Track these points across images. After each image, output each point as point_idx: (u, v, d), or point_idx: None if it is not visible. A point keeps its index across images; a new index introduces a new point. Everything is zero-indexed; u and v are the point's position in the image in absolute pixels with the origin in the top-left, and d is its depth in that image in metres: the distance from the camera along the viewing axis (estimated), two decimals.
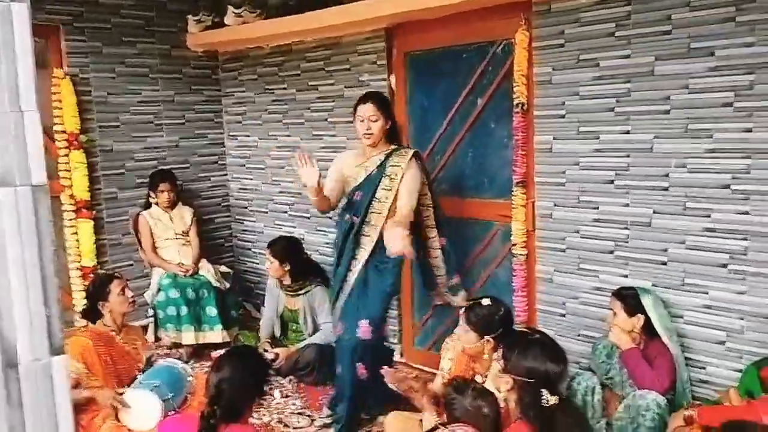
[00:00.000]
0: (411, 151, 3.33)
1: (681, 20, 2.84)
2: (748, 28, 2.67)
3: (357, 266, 3.29)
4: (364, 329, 3.22)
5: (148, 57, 4.93)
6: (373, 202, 3.26)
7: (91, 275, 4.46)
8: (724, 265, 2.86)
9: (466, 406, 2.32)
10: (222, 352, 3.06)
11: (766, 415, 2.22)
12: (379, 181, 3.27)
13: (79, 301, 4.37)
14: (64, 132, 4.51)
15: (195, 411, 2.65)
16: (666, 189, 2.98)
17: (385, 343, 3.59)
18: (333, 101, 4.45)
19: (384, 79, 4.08)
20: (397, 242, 2.90)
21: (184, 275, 4.50)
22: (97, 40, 4.67)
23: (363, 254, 3.28)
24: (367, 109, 3.25)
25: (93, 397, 2.88)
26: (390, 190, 3.25)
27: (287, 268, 4.09)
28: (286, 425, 3.56)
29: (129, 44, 4.82)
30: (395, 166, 3.27)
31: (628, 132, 3.06)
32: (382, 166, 3.29)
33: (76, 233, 4.62)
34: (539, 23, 3.29)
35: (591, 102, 3.17)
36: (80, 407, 2.83)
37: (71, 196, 4.58)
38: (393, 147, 3.33)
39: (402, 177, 3.23)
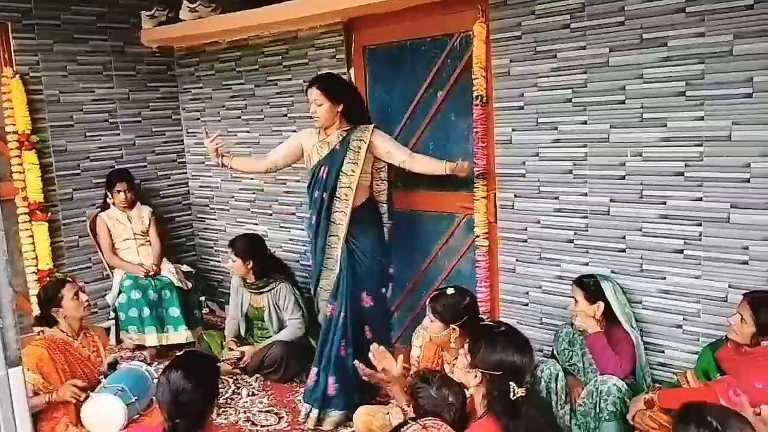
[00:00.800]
0: (371, 125, 3.44)
1: (634, 11, 2.89)
2: (698, 18, 2.73)
3: (338, 242, 3.39)
4: (366, 299, 3.41)
5: (100, 54, 4.82)
6: (340, 177, 3.36)
7: (48, 279, 4.35)
8: (680, 251, 2.93)
9: (432, 395, 2.34)
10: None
11: (723, 395, 2.29)
12: (344, 156, 3.35)
13: (36, 306, 4.25)
14: (15, 132, 4.38)
15: (156, 420, 2.59)
16: (623, 178, 3.04)
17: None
18: (292, 96, 4.42)
19: (343, 73, 4.06)
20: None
21: (145, 276, 4.43)
22: (47, 37, 4.54)
23: (340, 229, 3.38)
24: (311, 93, 3.39)
25: (53, 403, 2.82)
26: (356, 163, 3.36)
27: (250, 265, 4.06)
28: (254, 423, 3.54)
29: (81, 41, 4.70)
30: (358, 140, 3.37)
31: (585, 122, 3.11)
32: (345, 141, 3.38)
33: (31, 236, 4.50)
34: (496, 15, 3.32)
35: (549, 93, 3.21)
36: (40, 415, 2.77)
37: (25, 198, 4.45)
38: (353, 125, 3.42)
39: (368, 145, 3.36)
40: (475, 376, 2.14)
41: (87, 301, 3.15)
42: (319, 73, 4.18)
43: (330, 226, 3.41)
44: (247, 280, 4.13)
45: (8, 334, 0.97)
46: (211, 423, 2.42)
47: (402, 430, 2.28)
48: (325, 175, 3.38)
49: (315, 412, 3.43)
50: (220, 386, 2.46)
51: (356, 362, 3.01)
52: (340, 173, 3.36)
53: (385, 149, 3.42)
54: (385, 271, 3.53)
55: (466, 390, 2.30)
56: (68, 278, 3.27)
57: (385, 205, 3.60)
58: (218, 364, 2.90)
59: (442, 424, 2.25)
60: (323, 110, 3.36)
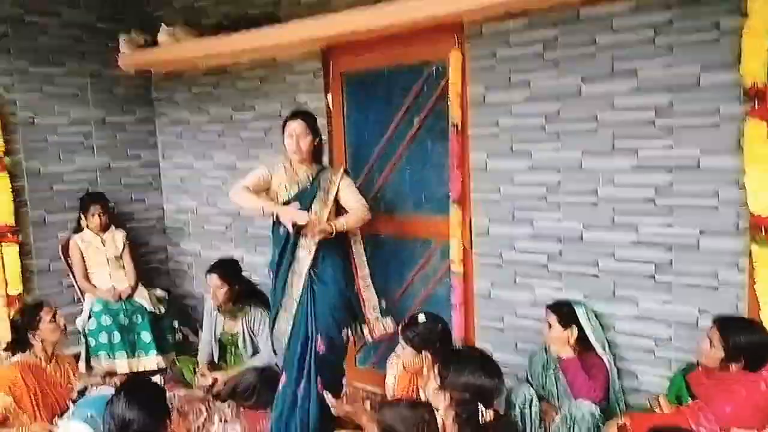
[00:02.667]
0: (341, 167, 3.46)
1: (605, 43, 2.96)
2: (666, 49, 2.81)
3: (299, 281, 3.30)
4: (319, 344, 3.26)
5: (77, 77, 4.79)
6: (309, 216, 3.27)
7: (17, 303, 4.27)
8: (651, 276, 2.97)
9: (398, 412, 2.35)
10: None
11: (694, 421, 2.31)
12: (314, 195, 3.33)
13: (3, 330, 4.15)
14: None
15: None
16: (595, 204, 3.09)
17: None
18: (269, 121, 4.43)
19: (321, 99, 4.09)
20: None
21: (115, 300, 4.37)
22: (23, 59, 4.51)
23: (303, 267, 3.30)
24: (298, 126, 3.33)
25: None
26: (325, 203, 3.33)
27: (235, 290, 4.04)
28: None
29: (57, 64, 4.68)
30: (328, 181, 3.36)
31: (558, 150, 3.16)
32: (315, 180, 3.36)
33: (0, 259, 4.41)
34: (472, 45, 3.38)
35: (523, 121, 3.26)
36: None
37: None
38: (320, 165, 3.43)
39: (338, 188, 3.35)
40: (444, 397, 2.14)
41: (64, 324, 3.11)
42: (296, 98, 4.22)
43: (293, 263, 3.33)
44: (222, 306, 4.09)
45: None
46: None
47: None
48: None
49: None
50: (168, 405, 2.38)
51: (326, 394, 3.01)
52: (309, 211, 3.26)
53: (345, 197, 3.39)
54: (348, 306, 3.40)
55: (436, 411, 2.29)
56: (46, 302, 3.22)
57: (359, 243, 3.54)
58: (163, 386, 2.86)
59: None
60: (306, 143, 3.32)
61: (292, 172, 3.39)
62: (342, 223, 3.29)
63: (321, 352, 3.26)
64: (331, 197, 3.34)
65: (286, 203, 3.33)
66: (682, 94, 2.79)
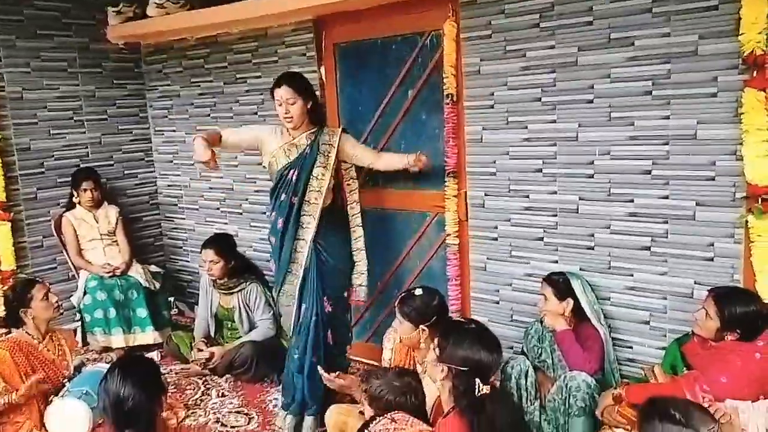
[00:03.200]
0: (338, 128, 3.44)
1: (602, 11, 2.92)
2: (664, 18, 2.77)
3: (304, 246, 3.31)
4: (326, 305, 3.34)
5: (65, 50, 4.71)
6: (310, 180, 3.29)
7: (11, 280, 4.25)
8: (647, 248, 2.97)
9: (386, 382, 2.42)
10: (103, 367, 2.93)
11: (689, 390, 2.32)
12: (315, 159, 3.30)
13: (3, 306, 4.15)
14: None
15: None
16: (591, 176, 3.07)
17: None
18: (262, 94, 4.37)
19: (314, 71, 4.04)
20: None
21: (110, 276, 4.36)
22: (9, 33, 4.43)
23: (308, 233, 3.31)
24: (284, 92, 3.25)
25: (15, 404, 2.75)
26: (326, 167, 3.32)
27: (230, 265, 4.04)
28: (223, 425, 3.50)
29: (45, 37, 4.60)
30: (327, 144, 3.33)
31: (554, 121, 3.13)
32: (314, 144, 3.32)
33: None
34: (466, 14, 3.32)
35: (519, 92, 3.22)
36: (2, 419, 2.71)
37: None
38: (318, 127, 3.38)
39: (338, 148, 3.34)
40: (442, 370, 2.15)
41: (57, 302, 3.09)
42: (288, 70, 4.16)
43: (298, 230, 3.33)
44: (218, 281, 4.08)
45: None
46: (164, 422, 2.37)
47: (371, 424, 2.28)
48: (294, 179, 3.30)
49: (292, 420, 3.38)
50: (162, 382, 2.36)
51: (319, 368, 3.05)
52: (310, 177, 3.29)
53: (353, 153, 3.44)
54: (348, 273, 3.51)
55: (434, 383, 2.31)
56: (37, 279, 3.20)
57: (356, 205, 3.57)
58: (158, 363, 2.86)
59: (410, 417, 2.26)
60: (297, 108, 3.26)
61: (289, 137, 3.36)
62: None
63: (329, 311, 3.35)
64: (332, 160, 3.32)
65: (286, 169, 3.31)
66: (680, 64, 2.76)
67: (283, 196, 3.33)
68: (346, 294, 3.50)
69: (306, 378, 3.33)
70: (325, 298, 3.34)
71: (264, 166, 3.50)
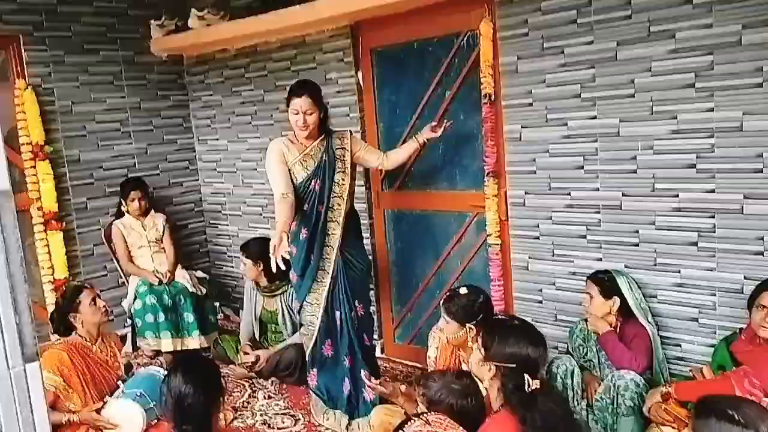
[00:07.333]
0: (345, 131, 3.45)
1: (640, 4, 2.88)
2: (705, 9, 2.72)
3: (331, 254, 3.34)
4: (359, 309, 3.39)
5: (111, 64, 4.87)
6: (333, 188, 3.30)
7: (64, 288, 4.39)
8: (694, 243, 2.91)
9: (438, 383, 2.38)
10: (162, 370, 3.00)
11: (739, 385, 2.27)
12: (334, 166, 3.31)
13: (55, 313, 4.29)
14: (29, 144, 4.44)
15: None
16: (634, 171, 3.03)
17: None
18: None
19: (351, 76, 4.08)
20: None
21: (159, 283, 4.46)
22: (58, 48, 4.60)
23: (334, 240, 3.33)
24: (304, 103, 3.20)
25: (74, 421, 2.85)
26: (344, 171, 3.34)
27: (261, 268, 4.08)
28: (270, 426, 3.55)
29: (91, 52, 4.76)
30: (340, 147, 3.35)
31: (594, 117, 3.10)
32: (330, 151, 3.32)
33: (47, 246, 4.55)
34: (503, 13, 3.32)
35: (557, 89, 3.20)
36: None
37: (40, 209, 4.50)
38: (325, 133, 3.36)
39: (350, 151, 3.36)
40: (489, 369, 2.13)
41: (104, 306, 3.18)
42: (326, 77, 4.21)
43: (325, 238, 3.32)
44: (260, 284, 4.15)
45: (25, 330, 0.98)
46: (218, 423, 2.42)
47: (406, 425, 2.28)
48: (318, 189, 3.27)
49: (345, 419, 3.39)
50: (222, 384, 2.42)
51: (363, 374, 3.07)
52: (333, 184, 3.28)
53: (362, 154, 3.44)
54: (370, 273, 3.59)
55: (480, 383, 2.29)
56: (86, 285, 3.30)
57: (362, 204, 3.64)
58: (216, 362, 2.92)
59: (445, 418, 2.24)
60: (313, 119, 3.22)
61: (303, 147, 3.31)
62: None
63: (361, 315, 3.40)
64: (348, 163, 3.34)
65: (307, 181, 3.27)
66: (723, 55, 2.70)
67: (306, 206, 3.29)
68: (370, 296, 3.59)
69: (352, 382, 3.35)
70: (356, 301, 3.37)
71: None
